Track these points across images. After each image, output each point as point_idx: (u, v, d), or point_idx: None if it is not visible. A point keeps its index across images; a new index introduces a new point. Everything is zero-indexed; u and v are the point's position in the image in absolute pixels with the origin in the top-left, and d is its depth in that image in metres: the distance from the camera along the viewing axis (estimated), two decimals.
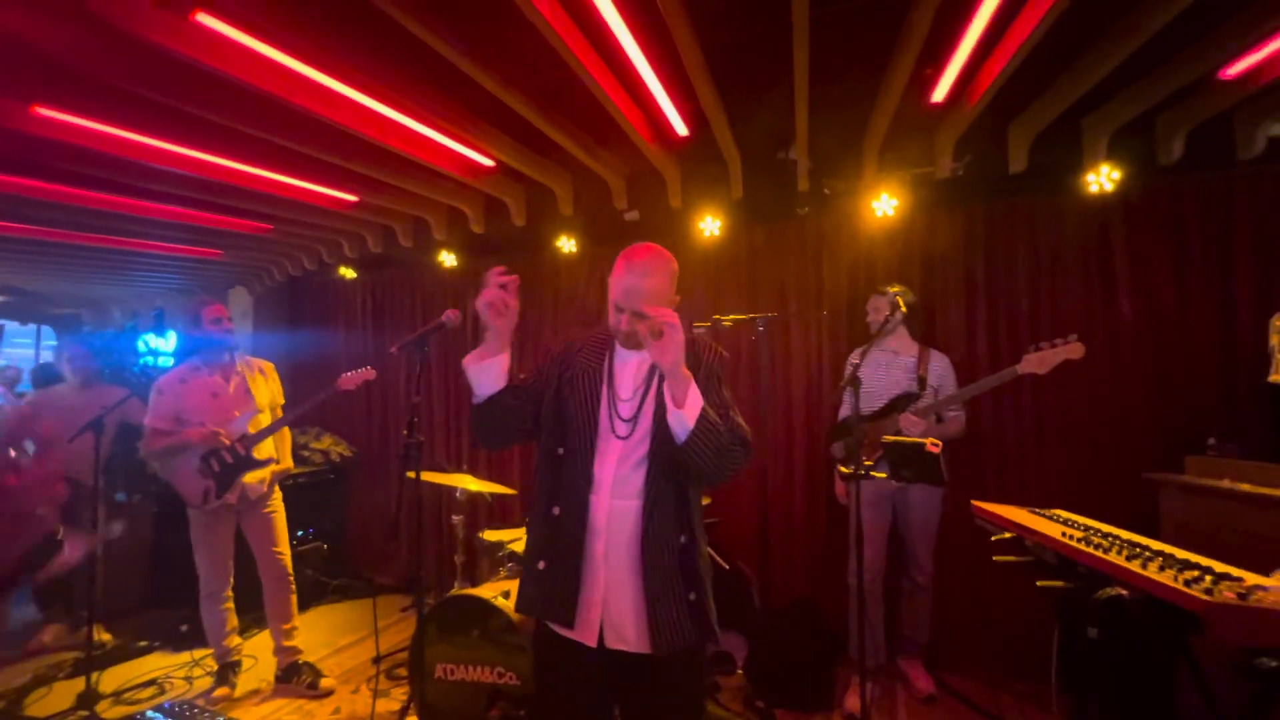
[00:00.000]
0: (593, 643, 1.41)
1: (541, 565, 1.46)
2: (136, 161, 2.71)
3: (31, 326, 7.33)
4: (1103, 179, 2.78)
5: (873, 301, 3.04)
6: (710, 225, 3.50)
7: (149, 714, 2.84)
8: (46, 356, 7.40)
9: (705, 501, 2.80)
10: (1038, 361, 2.56)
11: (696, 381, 1.39)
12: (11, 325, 6.98)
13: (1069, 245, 3.07)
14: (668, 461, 1.40)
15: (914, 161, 3.03)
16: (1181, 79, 2.29)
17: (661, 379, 1.42)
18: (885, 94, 2.47)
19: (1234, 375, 2.76)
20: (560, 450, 1.48)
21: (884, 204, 3.12)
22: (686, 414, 1.32)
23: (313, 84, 2.27)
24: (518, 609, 1.55)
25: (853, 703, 2.70)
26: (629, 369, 1.53)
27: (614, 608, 1.41)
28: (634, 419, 1.45)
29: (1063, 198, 3.03)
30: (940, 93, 2.46)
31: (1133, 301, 2.96)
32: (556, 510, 1.46)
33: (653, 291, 1.46)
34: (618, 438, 1.46)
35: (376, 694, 2.78)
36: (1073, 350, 2.52)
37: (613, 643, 1.40)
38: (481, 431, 1.50)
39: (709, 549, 2.32)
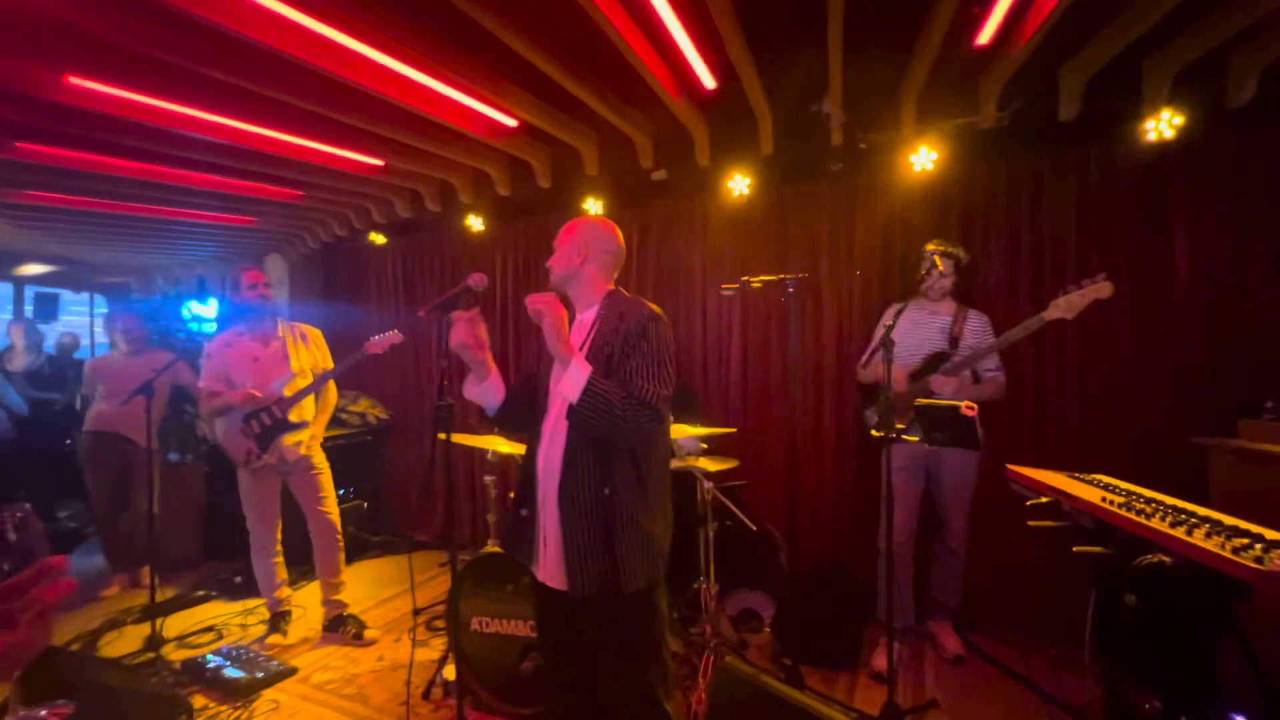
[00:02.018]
0: (541, 577, 1.63)
1: (524, 513, 1.68)
2: (167, 129, 2.75)
3: (84, 295, 7.66)
4: (1163, 125, 2.59)
5: (944, 262, 2.82)
6: (739, 184, 3.40)
7: (209, 656, 3.04)
8: (99, 323, 7.74)
9: (719, 465, 2.80)
10: (1065, 305, 2.42)
11: (614, 345, 1.57)
12: (66, 294, 7.30)
13: (1121, 198, 2.89)
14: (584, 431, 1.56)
15: (956, 111, 2.87)
16: (1258, 10, 2.09)
17: (592, 335, 1.62)
18: (926, 37, 2.33)
19: None
20: (533, 406, 1.71)
21: (922, 158, 2.98)
22: (565, 391, 1.49)
23: (334, 45, 2.24)
24: (501, 544, 1.81)
25: (880, 662, 2.72)
26: (575, 327, 1.71)
27: (549, 548, 1.60)
28: None
29: (1116, 147, 2.84)
30: (986, 34, 2.30)
31: (1189, 256, 2.79)
32: (527, 463, 1.69)
33: (559, 238, 1.72)
34: (559, 393, 1.60)
35: (415, 644, 2.92)
36: (1101, 290, 2.37)
37: (549, 580, 1.60)
38: (504, 431, 1.84)
39: (736, 508, 2.34)
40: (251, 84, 2.43)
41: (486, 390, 1.69)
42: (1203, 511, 1.36)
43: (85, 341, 7.24)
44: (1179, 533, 1.22)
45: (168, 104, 2.59)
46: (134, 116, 2.59)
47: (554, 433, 1.61)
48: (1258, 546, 1.12)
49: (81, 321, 8.06)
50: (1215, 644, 1.31)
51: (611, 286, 1.74)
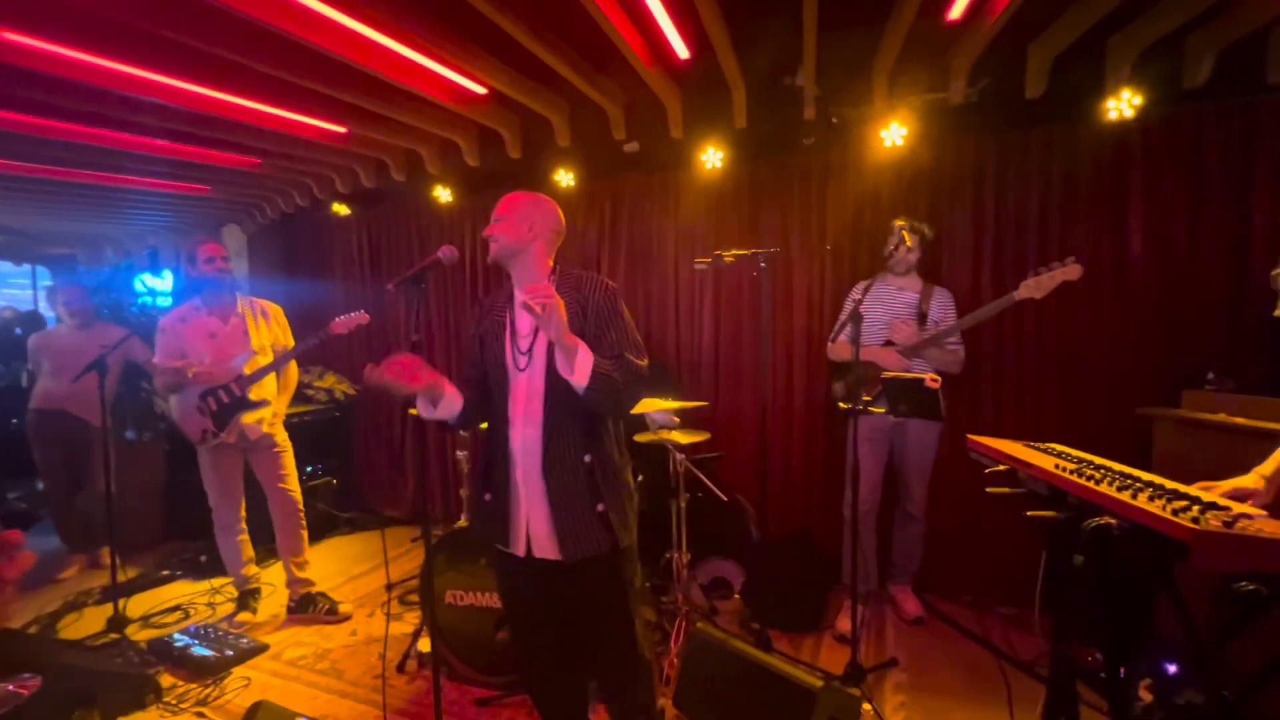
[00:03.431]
0: (522, 554, 1.65)
1: (488, 497, 1.72)
2: (113, 91, 2.60)
3: (26, 267, 7.26)
4: (1123, 104, 2.66)
5: (911, 237, 2.86)
6: (712, 157, 3.38)
7: (176, 635, 3.00)
8: (43, 296, 7.37)
9: (692, 438, 2.85)
10: (1035, 286, 2.53)
11: (587, 324, 1.59)
12: (6, 266, 6.92)
13: (1082, 175, 2.97)
14: (563, 390, 1.56)
15: (926, 86, 2.89)
16: None
17: None
18: (899, 11, 2.33)
19: (1242, 310, 2.73)
20: (491, 397, 1.71)
21: (893, 133, 3.00)
22: (577, 379, 1.50)
23: (294, 5, 2.14)
24: (472, 534, 1.80)
25: (844, 624, 2.83)
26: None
27: (534, 523, 1.64)
28: (529, 352, 1.64)
29: (1079, 125, 2.91)
30: (957, 10, 2.32)
31: (1144, 234, 2.89)
32: (492, 447, 1.71)
33: (504, 207, 1.67)
34: (519, 370, 1.65)
35: (390, 617, 2.93)
36: (1070, 272, 2.49)
37: (538, 552, 1.64)
38: (465, 428, 1.85)
39: (708, 480, 2.40)
40: (205, 44, 2.30)
41: (445, 404, 1.67)
42: (1147, 477, 1.43)
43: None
44: (1124, 496, 1.29)
45: (114, 64, 2.45)
46: (77, 77, 2.44)
47: (527, 414, 1.63)
48: (1195, 509, 1.18)
49: (24, 295, 7.67)
50: (1154, 600, 1.40)
51: (551, 263, 1.73)
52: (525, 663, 1.87)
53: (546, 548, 1.62)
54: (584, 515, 1.60)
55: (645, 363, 1.60)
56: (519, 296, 1.64)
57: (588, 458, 1.61)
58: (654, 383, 1.62)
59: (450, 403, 1.67)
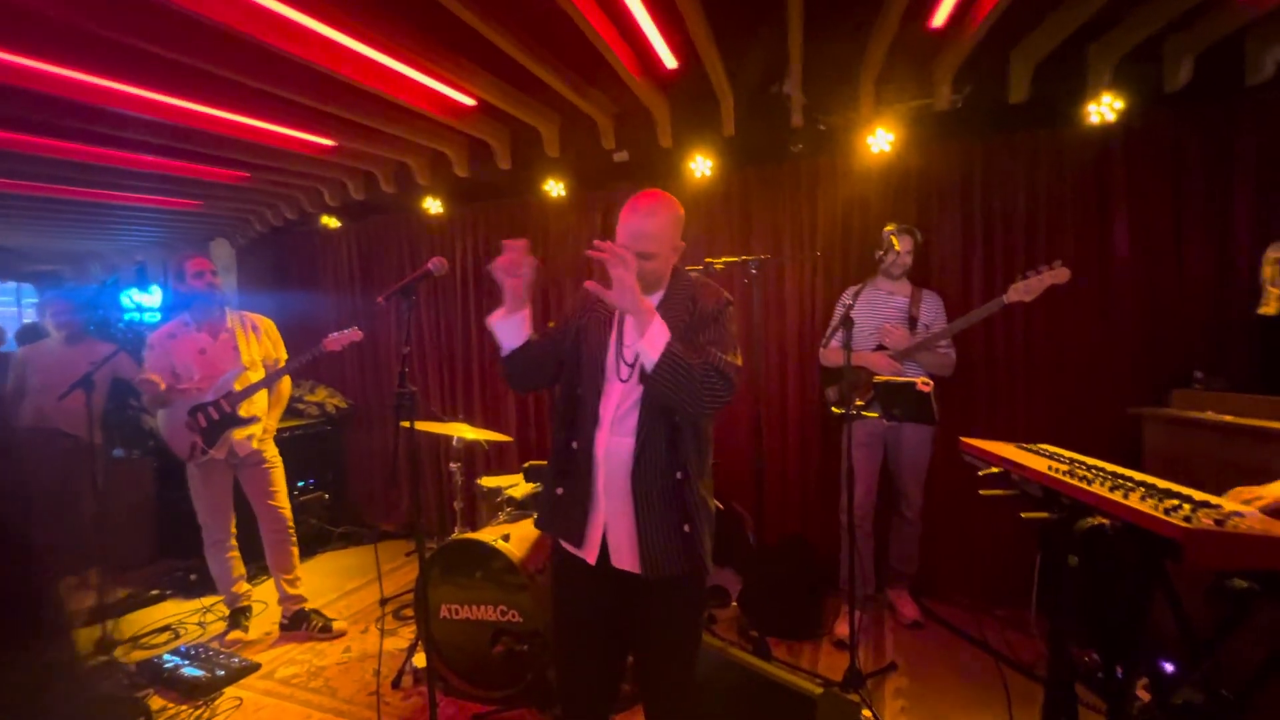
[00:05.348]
0: (593, 561, 1.56)
1: (560, 491, 1.62)
2: (101, 107, 2.59)
3: (11, 284, 7.19)
4: (1105, 109, 2.70)
5: (901, 241, 2.90)
6: (701, 165, 3.40)
7: (166, 656, 2.95)
8: (29, 315, 7.29)
9: None
10: (1024, 289, 2.56)
11: (691, 320, 1.52)
12: None
13: (1067, 178, 3.01)
14: (663, 403, 1.49)
15: (912, 93, 2.93)
16: None
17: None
18: (883, 18, 2.36)
19: (1227, 308, 2.76)
20: (578, 390, 1.61)
21: (880, 139, 3.03)
22: (646, 345, 1.40)
23: (281, 19, 2.14)
24: (537, 525, 1.73)
25: (842, 630, 2.82)
26: None
27: (613, 532, 1.54)
28: (634, 363, 1.54)
29: (1062, 129, 2.95)
30: (940, 17, 2.35)
31: (1129, 234, 2.93)
32: (575, 444, 1.59)
33: (656, 232, 1.55)
34: (620, 380, 1.56)
35: (384, 633, 2.89)
36: (1058, 275, 2.52)
37: (615, 563, 1.55)
38: (511, 379, 1.67)
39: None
40: (193, 59, 2.30)
41: (509, 325, 1.57)
42: (1138, 476, 1.44)
43: (12, 334, 6.81)
44: (1117, 496, 1.29)
45: (101, 80, 2.43)
46: (64, 93, 2.43)
47: (618, 419, 1.54)
48: (1186, 507, 1.19)
49: (9, 313, 7.59)
50: (1148, 599, 1.41)
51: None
52: (566, 665, 1.74)
53: (626, 560, 1.54)
54: (669, 533, 1.51)
55: (737, 364, 1.49)
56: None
57: (678, 474, 1.53)
58: (737, 388, 1.48)
59: (516, 327, 1.58)
